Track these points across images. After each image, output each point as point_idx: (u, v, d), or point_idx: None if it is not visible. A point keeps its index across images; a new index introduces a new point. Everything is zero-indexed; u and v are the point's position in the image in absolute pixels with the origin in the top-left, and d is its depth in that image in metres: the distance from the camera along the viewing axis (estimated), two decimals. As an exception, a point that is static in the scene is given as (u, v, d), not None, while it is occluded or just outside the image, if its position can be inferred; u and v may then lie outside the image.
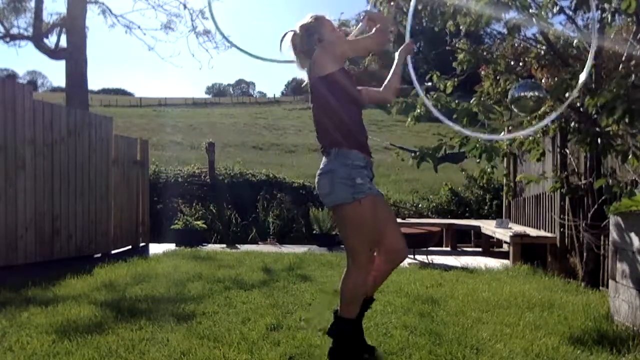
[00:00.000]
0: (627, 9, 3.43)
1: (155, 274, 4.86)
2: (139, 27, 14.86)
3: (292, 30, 2.73)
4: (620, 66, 4.26)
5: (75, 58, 10.33)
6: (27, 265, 5.24)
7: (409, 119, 4.85)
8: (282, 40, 2.73)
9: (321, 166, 2.53)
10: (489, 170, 6.21)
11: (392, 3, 4.01)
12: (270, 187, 9.66)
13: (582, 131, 4.35)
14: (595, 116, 4.30)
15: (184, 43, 53.15)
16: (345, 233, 2.49)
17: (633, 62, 4.00)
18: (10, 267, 5.04)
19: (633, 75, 3.54)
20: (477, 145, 4.11)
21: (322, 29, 2.68)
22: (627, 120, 3.34)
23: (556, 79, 4.78)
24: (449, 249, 7.82)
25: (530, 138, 5.27)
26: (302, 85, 2.84)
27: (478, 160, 4.27)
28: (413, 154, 4.56)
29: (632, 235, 3.23)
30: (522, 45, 5.29)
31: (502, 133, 5.45)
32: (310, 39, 2.67)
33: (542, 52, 4.92)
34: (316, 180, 2.56)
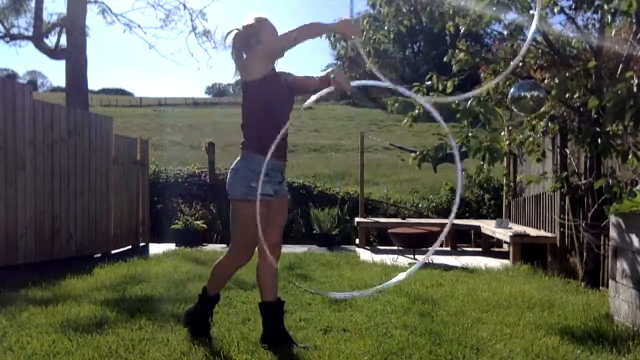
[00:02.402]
0: (628, 9, 3.41)
1: (155, 274, 4.86)
2: (138, 25, 14.86)
3: (236, 29, 2.84)
4: (620, 66, 4.27)
5: (75, 58, 10.32)
6: (27, 265, 5.24)
7: (406, 120, 4.84)
8: (226, 36, 2.87)
9: (234, 161, 2.80)
10: (485, 167, 6.17)
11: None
12: (270, 187, 9.65)
13: (582, 131, 4.35)
14: (595, 116, 4.30)
15: (184, 42, 54.29)
16: (234, 224, 2.82)
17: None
18: (10, 267, 5.04)
19: (635, 77, 3.54)
20: (482, 146, 4.10)
21: (261, 32, 2.77)
22: (633, 123, 3.33)
23: (556, 79, 4.77)
24: (449, 249, 7.82)
25: (531, 139, 5.27)
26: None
27: (482, 162, 4.26)
28: (414, 154, 4.56)
29: (632, 235, 3.23)
30: (522, 46, 5.28)
31: (502, 133, 5.44)
32: (249, 41, 2.79)
33: (541, 52, 4.92)
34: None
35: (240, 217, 2.75)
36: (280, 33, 2.76)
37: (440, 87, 5.01)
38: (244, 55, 2.81)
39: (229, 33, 2.85)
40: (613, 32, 4.65)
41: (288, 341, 2.76)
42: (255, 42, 2.77)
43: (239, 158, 2.79)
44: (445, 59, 5.09)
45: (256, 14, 2.86)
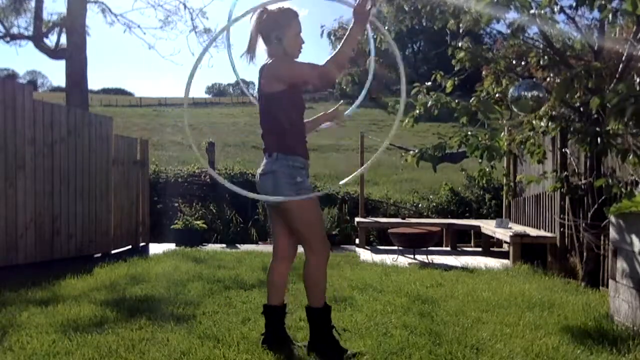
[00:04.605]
0: (635, 10, 3.39)
1: (155, 273, 4.86)
2: (138, 26, 14.86)
3: (262, 9, 2.64)
4: (621, 66, 4.26)
5: (75, 58, 10.31)
6: (27, 265, 5.23)
7: (407, 120, 4.84)
8: (251, 15, 2.66)
9: (262, 167, 2.67)
10: (488, 170, 6.20)
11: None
12: (270, 187, 9.66)
13: (582, 131, 4.35)
14: (595, 116, 4.29)
15: (184, 41, 54.63)
16: (296, 226, 2.67)
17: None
18: (10, 267, 5.04)
19: (636, 75, 3.54)
20: (479, 145, 4.11)
21: (285, 30, 2.63)
22: (634, 121, 3.33)
23: (557, 79, 4.77)
24: (449, 248, 7.82)
25: (531, 140, 5.27)
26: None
27: (480, 161, 4.25)
28: (412, 152, 4.56)
29: (632, 235, 3.23)
30: (523, 45, 5.28)
31: (502, 133, 5.44)
32: (270, 34, 2.64)
33: (541, 52, 4.91)
34: (257, 180, 2.72)
35: (302, 216, 2.62)
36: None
37: (445, 86, 5.01)
38: (260, 42, 2.66)
39: (254, 10, 2.64)
40: (617, 31, 4.64)
41: (288, 342, 2.77)
42: (276, 39, 2.62)
43: (269, 161, 2.63)
44: (449, 52, 5.10)
45: (285, 4, 2.65)
